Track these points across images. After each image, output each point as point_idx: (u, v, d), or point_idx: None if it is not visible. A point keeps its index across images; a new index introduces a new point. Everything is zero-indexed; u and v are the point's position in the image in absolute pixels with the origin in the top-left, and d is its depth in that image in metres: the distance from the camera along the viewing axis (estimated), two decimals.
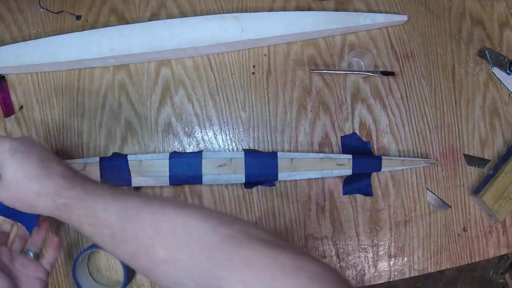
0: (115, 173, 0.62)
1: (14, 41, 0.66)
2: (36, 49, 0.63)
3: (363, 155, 0.64)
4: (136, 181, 0.62)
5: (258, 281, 0.31)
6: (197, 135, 0.66)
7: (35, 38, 0.65)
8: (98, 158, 0.62)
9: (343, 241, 0.65)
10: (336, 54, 0.67)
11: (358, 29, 0.66)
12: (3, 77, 0.66)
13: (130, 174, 0.62)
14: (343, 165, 0.62)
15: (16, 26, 0.67)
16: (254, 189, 0.65)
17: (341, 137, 0.65)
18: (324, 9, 0.67)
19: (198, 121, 0.66)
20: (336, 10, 0.66)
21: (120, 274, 0.63)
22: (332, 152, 0.65)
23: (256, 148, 0.65)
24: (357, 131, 0.66)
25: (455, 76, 0.67)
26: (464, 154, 0.67)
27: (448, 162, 0.66)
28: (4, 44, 0.64)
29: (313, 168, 0.62)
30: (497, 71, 0.67)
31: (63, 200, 0.39)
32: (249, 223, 0.38)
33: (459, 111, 0.67)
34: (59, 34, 0.63)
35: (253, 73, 0.66)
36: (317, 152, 0.65)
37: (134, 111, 0.66)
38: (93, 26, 0.66)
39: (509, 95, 0.67)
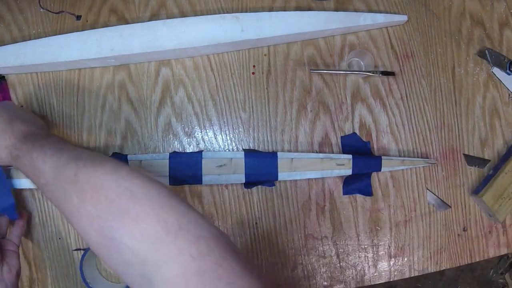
0: None
1: (14, 41, 0.66)
2: (36, 49, 0.63)
3: (363, 155, 0.64)
4: None
5: (143, 236, 0.33)
6: (197, 135, 0.66)
7: (35, 38, 0.65)
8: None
9: (343, 241, 0.65)
10: (336, 54, 0.67)
11: (358, 29, 0.66)
12: (3, 77, 0.66)
13: None
14: (343, 165, 0.62)
15: (16, 26, 0.67)
16: (254, 189, 0.65)
17: (341, 137, 0.66)
18: (324, 9, 0.67)
19: (198, 121, 0.66)
20: (336, 10, 0.66)
21: None
22: (332, 152, 0.65)
23: (256, 148, 0.65)
24: (357, 131, 0.66)
25: (455, 76, 0.67)
26: (464, 154, 0.67)
27: (448, 162, 0.66)
28: (4, 44, 0.64)
29: (313, 168, 0.62)
30: (497, 71, 0.67)
31: (16, 152, 0.47)
32: (153, 179, 0.39)
33: (459, 111, 0.67)
34: (59, 34, 0.63)
35: (253, 73, 0.66)
36: (317, 152, 0.65)
37: (134, 111, 0.66)
38: (93, 26, 0.66)
39: (509, 95, 0.67)
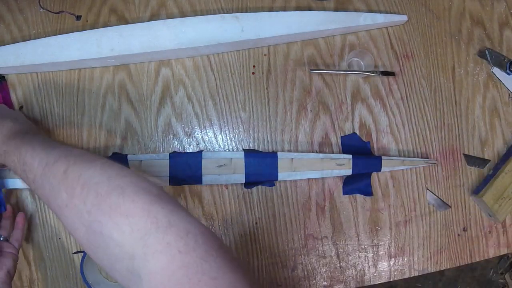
0: None
1: (14, 41, 0.66)
2: (36, 49, 0.63)
3: (363, 155, 0.64)
4: None
5: (132, 231, 0.34)
6: (197, 135, 0.66)
7: (35, 38, 0.65)
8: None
9: (343, 241, 0.65)
10: (336, 54, 0.67)
11: (358, 29, 0.66)
12: (3, 77, 0.66)
13: None
14: (343, 165, 0.62)
15: (16, 26, 0.67)
16: (254, 189, 0.65)
17: (341, 137, 0.65)
18: (324, 9, 0.67)
19: (198, 121, 0.66)
20: (336, 10, 0.66)
21: None
22: (332, 152, 0.65)
23: (256, 148, 0.65)
24: (357, 131, 0.66)
25: (455, 76, 0.67)
26: (464, 154, 0.67)
27: (448, 162, 0.66)
28: (4, 44, 0.64)
29: (313, 168, 0.62)
30: (497, 71, 0.67)
31: (5, 148, 0.47)
32: (143, 177, 0.40)
33: (459, 111, 0.67)
34: (59, 34, 0.63)
35: (253, 73, 0.66)
36: (317, 152, 0.65)
37: (134, 111, 0.66)
38: (93, 26, 0.66)
39: (509, 95, 0.67)
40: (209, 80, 0.66)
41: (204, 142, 0.66)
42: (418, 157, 0.66)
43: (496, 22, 0.68)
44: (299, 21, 0.63)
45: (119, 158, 0.63)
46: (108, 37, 0.62)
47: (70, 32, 0.63)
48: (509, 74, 0.66)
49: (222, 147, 0.66)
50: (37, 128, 0.61)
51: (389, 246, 0.65)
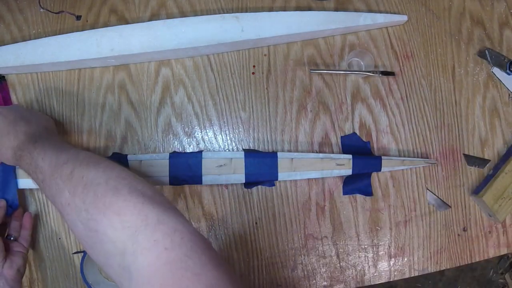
0: None
1: (14, 41, 0.66)
2: (36, 49, 0.63)
3: (363, 155, 0.64)
4: None
5: (123, 228, 0.37)
6: (197, 135, 0.66)
7: (35, 38, 0.65)
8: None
9: (343, 241, 0.65)
10: (336, 54, 0.67)
11: (358, 29, 0.66)
12: (3, 77, 0.66)
13: None
14: (343, 165, 0.62)
15: (16, 26, 0.67)
16: (254, 189, 0.65)
17: (341, 137, 0.66)
18: (324, 9, 0.67)
19: (198, 121, 0.66)
20: (336, 10, 0.66)
21: None
22: (332, 152, 0.65)
23: (256, 148, 0.65)
24: (357, 131, 0.66)
25: (455, 76, 0.67)
26: (464, 154, 0.67)
27: (448, 162, 0.66)
28: (4, 44, 0.64)
29: (313, 168, 0.62)
30: (497, 71, 0.67)
31: (20, 153, 0.50)
32: (141, 180, 0.43)
33: (459, 111, 0.67)
34: (59, 34, 0.63)
35: (253, 73, 0.66)
36: (317, 152, 0.65)
37: (134, 111, 0.66)
38: (93, 26, 0.66)
39: (509, 95, 0.67)
40: (209, 80, 0.66)
41: (204, 142, 0.66)
42: (418, 157, 0.66)
43: (496, 22, 0.68)
44: (299, 21, 0.63)
45: (119, 158, 0.63)
46: (108, 37, 0.62)
47: (70, 32, 0.63)
48: (509, 74, 0.66)
49: (222, 147, 0.66)
50: (53, 127, 0.60)
51: (389, 246, 0.65)
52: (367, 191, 0.65)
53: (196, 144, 0.66)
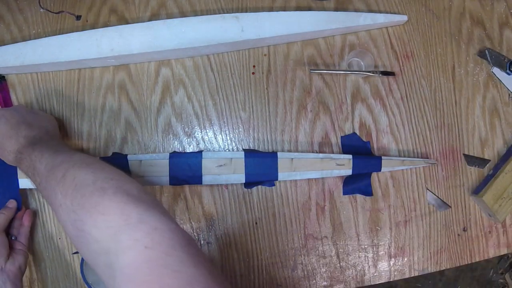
0: None
1: (14, 41, 0.66)
2: (36, 49, 0.63)
3: (363, 155, 0.64)
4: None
5: (107, 228, 0.38)
6: (197, 135, 0.66)
7: (35, 38, 0.65)
8: (98, 159, 0.62)
9: (343, 241, 0.65)
10: (336, 54, 0.67)
11: (358, 29, 0.66)
12: (3, 77, 0.66)
13: (130, 174, 0.62)
14: (343, 165, 0.62)
15: (16, 26, 0.67)
16: (254, 189, 0.65)
17: (341, 137, 0.65)
18: (324, 9, 0.67)
19: (198, 121, 0.66)
20: (336, 10, 0.66)
21: None
22: (332, 152, 0.65)
23: (256, 148, 0.65)
24: (357, 131, 0.66)
25: (455, 76, 0.67)
26: (464, 154, 0.67)
27: (448, 162, 0.66)
28: (4, 44, 0.64)
29: (313, 168, 0.62)
30: (497, 71, 0.67)
31: (19, 155, 0.52)
32: (130, 181, 0.44)
33: (459, 111, 0.67)
34: (59, 34, 0.63)
35: (253, 73, 0.66)
36: (317, 152, 0.65)
37: (134, 111, 0.66)
38: (93, 26, 0.66)
39: (509, 95, 0.67)
40: (209, 80, 0.66)
41: (204, 142, 0.66)
42: (418, 157, 0.66)
43: (496, 22, 0.68)
44: (299, 21, 0.63)
45: (119, 158, 0.63)
46: (108, 37, 0.62)
47: (70, 32, 0.63)
48: (509, 74, 0.66)
49: (222, 147, 0.66)
50: (55, 128, 0.61)
51: (389, 246, 0.65)
52: (367, 191, 0.65)
53: (196, 144, 0.66)
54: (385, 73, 0.64)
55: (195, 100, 0.66)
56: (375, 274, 0.65)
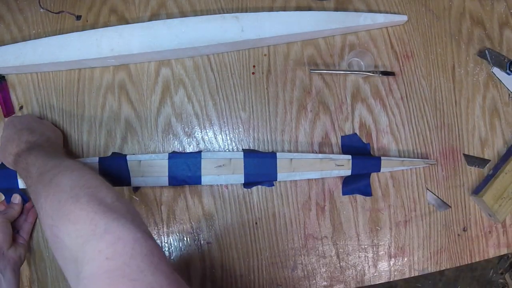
0: (114, 173, 0.62)
1: (14, 41, 0.66)
2: (36, 49, 0.63)
3: (363, 156, 0.64)
4: (135, 181, 0.62)
5: (77, 237, 0.39)
6: (197, 135, 0.66)
7: (35, 38, 0.65)
8: (97, 158, 0.62)
9: (343, 241, 0.65)
10: (336, 54, 0.67)
11: (358, 29, 0.66)
12: (3, 77, 0.66)
13: (129, 174, 0.62)
14: (343, 165, 0.62)
15: (16, 26, 0.67)
16: (254, 189, 0.65)
17: (341, 136, 0.65)
18: (324, 9, 0.67)
19: (198, 121, 0.66)
20: (336, 10, 0.66)
21: None
22: (332, 152, 0.65)
23: (256, 148, 0.65)
24: (357, 131, 0.66)
25: (455, 76, 0.67)
26: (464, 154, 0.67)
27: (448, 162, 0.66)
28: (4, 44, 0.64)
29: (312, 168, 0.62)
30: (497, 71, 0.67)
31: (18, 158, 0.53)
32: (105, 187, 0.44)
33: (459, 111, 0.67)
34: (59, 34, 0.63)
35: (253, 73, 0.66)
36: (317, 152, 0.65)
37: (134, 111, 0.66)
38: (93, 26, 0.66)
39: (509, 95, 0.67)
40: (209, 80, 0.66)
41: (204, 142, 0.66)
42: (418, 157, 0.66)
43: (496, 22, 0.68)
44: (299, 21, 0.63)
45: (119, 158, 0.63)
46: (108, 37, 0.62)
47: (70, 32, 0.63)
48: (509, 74, 0.66)
49: (222, 147, 0.66)
50: (55, 136, 0.62)
51: (389, 246, 0.65)
52: (367, 191, 0.65)
53: (196, 144, 0.66)
54: (385, 73, 0.64)
55: (195, 100, 0.66)
56: (375, 274, 0.65)
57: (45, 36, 0.64)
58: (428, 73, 0.67)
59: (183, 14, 0.67)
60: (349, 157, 0.62)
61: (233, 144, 0.66)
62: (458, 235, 0.66)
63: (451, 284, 1.46)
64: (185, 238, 0.65)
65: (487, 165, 0.66)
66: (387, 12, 0.67)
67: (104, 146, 0.65)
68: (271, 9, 0.67)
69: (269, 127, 0.66)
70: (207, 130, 0.66)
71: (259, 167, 0.62)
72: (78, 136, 0.65)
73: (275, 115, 0.66)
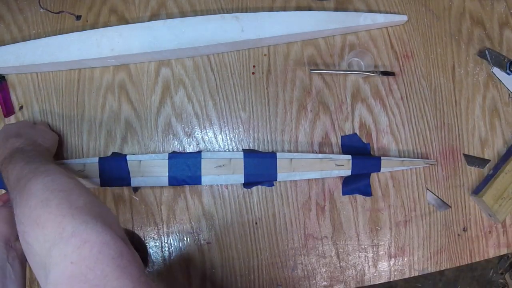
0: (114, 173, 0.62)
1: (14, 41, 0.66)
2: (36, 49, 0.63)
3: (363, 156, 0.64)
4: (135, 181, 0.62)
5: (44, 241, 0.37)
6: (197, 135, 0.66)
7: (35, 38, 0.65)
8: (97, 159, 0.62)
9: (343, 241, 0.65)
10: (336, 54, 0.67)
11: (358, 29, 0.66)
12: (3, 77, 0.66)
13: (129, 174, 0.62)
14: (343, 165, 0.62)
15: (16, 26, 0.67)
16: (254, 189, 0.65)
17: (342, 136, 0.65)
18: (324, 9, 0.67)
19: (198, 121, 0.66)
20: (336, 10, 0.66)
21: None
22: (332, 152, 0.65)
23: (256, 148, 0.65)
24: (357, 131, 0.66)
25: (455, 76, 0.67)
26: (464, 154, 0.66)
27: (448, 162, 0.66)
28: (4, 44, 0.64)
29: (312, 168, 0.62)
30: (497, 71, 0.67)
31: (1, 166, 0.52)
32: (79, 190, 0.43)
33: (459, 111, 0.67)
34: (59, 34, 0.63)
35: (253, 73, 0.66)
36: (317, 153, 0.65)
37: (134, 111, 0.66)
38: (93, 26, 0.66)
39: (509, 95, 0.67)
40: (209, 80, 0.66)
41: (204, 142, 0.66)
42: (418, 157, 0.66)
43: (496, 22, 0.68)
44: (299, 21, 0.63)
45: (119, 158, 0.63)
46: (108, 37, 0.62)
47: (70, 32, 0.63)
48: (509, 74, 0.66)
49: (222, 147, 0.66)
50: (46, 140, 0.60)
51: (389, 246, 0.65)
52: (367, 191, 0.64)
53: (196, 144, 0.66)
54: (385, 73, 0.64)
55: (195, 100, 0.66)
56: (375, 274, 0.65)
57: (45, 36, 0.64)
58: (428, 73, 0.67)
59: (183, 14, 0.67)
60: (349, 157, 0.62)
61: (233, 144, 0.66)
62: (458, 235, 0.66)
63: (451, 284, 1.46)
64: (185, 238, 0.65)
65: (487, 165, 0.66)
66: (387, 12, 0.67)
67: (104, 146, 0.65)
68: (271, 9, 0.67)
69: (269, 127, 0.66)
70: (207, 130, 0.66)
71: (259, 167, 0.62)
72: (78, 136, 0.65)
73: (275, 115, 0.66)
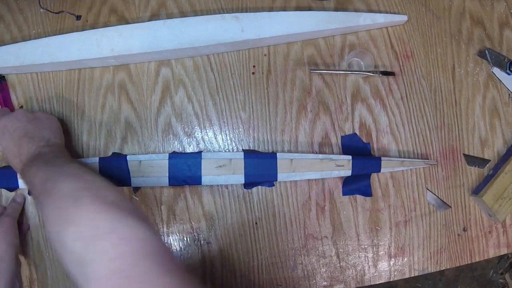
0: (114, 173, 0.62)
1: (14, 41, 0.66)
2: (36, 49, 0.63)
3: (363, 156, 0.64)
4: (135, 181, 0.62)
5: (79, 238, 0.38)
6: (197, 135, 0.66)
7: (35, 38, 0.65)
8: (97, 159, 0.62)
9: (343, 241, 0.65)
10: (336, 54, 0.67)
11: (358, 29, 0.66)
12: (3, 77, 0.66)
13: (129, 175, 0.62)
14: (343, 166, 0.62)
15: (16, 26, 0.67)
16: (254, 189, 0.65)
17: (342, 136, 0.65)
18: (324, 9, 0.67)
19: (198, 121, 0.66)
20: (336, 10, 0.66)
21: None
22: (332, 153, 0.65)
23: (256, 148, 0.65)
24: (357, 131, 0.66)
25: (455, 76, 0.67)
26: (464, 154, 0.67)
27: (448, 162, 0.66)
28: (4, 44, 0.64)
29: (312, 169, 0.62)
30: (497, 71, 0.67)
31: (22, 173, 0.53)
32: (107, 186, 0.44)
33: (459, 111, 0.67)
34: (59, 34, 0.63)
35: (253, 73, 0.66)
36: (317, 153, 0.65)
37: (134, 111, 0.66)
38: (93, 26, 0.66)
39: (509, 95, 0.67)
40: (209, 80, 0.66)
41: (204, 142, 0.66)
42: (418, 157, 0.66)
43: (496, 22, 0.68)
44: (299, 21, 0.63)
45: (119, 158, 0.63)
46: (108, 37, 0.62)
47: (70, 32, 0.63)
48: (509, 74, 0.66)
49: (222, 147, 0.66)
50: (54, 132, 0.59)
51: (389, 246, 0.65)
52: (367, 192, 0.65)
53: (196, 144, 0.66)
54: (385, 73, 0.64)
55: (195, 100, 0.66)
56: (375, 274, 0.65)
57: (45, 36, 0.64)
58: (428, 73, 0.67)
59: (183, 14, 0.67)
60: (349, 157, 0.62)
61: (233, 144, 0.66)
62: (458, 235, 0.66)
63: (451, 284, 1.46)
64: (185, 238, 0.65)
65: (487, 165, 0.66)
66: (387, 12, 0.67)
67: (104, 146, 0.65)
68: (271, 9, 0.67)
69: (269, 127, 0.66)
70: (207, 130, 0.66)
71: (259, 168, 0.62)
72: (78, 136, 0.65)
73: (275, 115, 0.66)
